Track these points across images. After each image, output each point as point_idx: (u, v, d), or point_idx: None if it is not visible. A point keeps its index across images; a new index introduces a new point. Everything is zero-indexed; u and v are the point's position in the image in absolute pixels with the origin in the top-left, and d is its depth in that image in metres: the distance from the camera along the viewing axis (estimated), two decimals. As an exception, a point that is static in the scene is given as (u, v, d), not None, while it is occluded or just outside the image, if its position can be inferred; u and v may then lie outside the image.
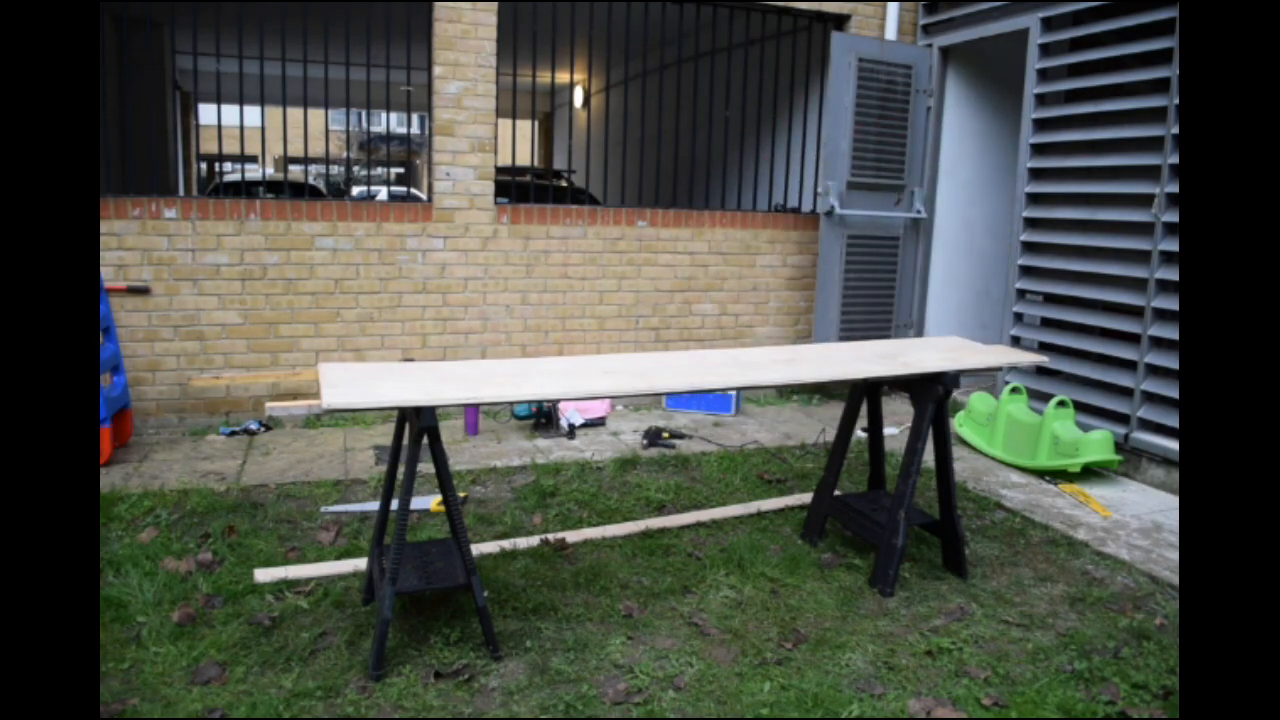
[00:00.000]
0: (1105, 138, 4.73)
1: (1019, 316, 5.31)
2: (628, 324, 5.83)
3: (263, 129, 10.45)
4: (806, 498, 3.93)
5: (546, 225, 5.56)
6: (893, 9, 6.02)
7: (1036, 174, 5.17)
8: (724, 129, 7.87)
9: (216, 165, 15.25)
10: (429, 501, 3.83)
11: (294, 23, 6.91)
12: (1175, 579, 3.30)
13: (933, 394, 3.15)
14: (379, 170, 17.67)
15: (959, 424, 5.09)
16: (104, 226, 4.71)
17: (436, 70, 5.21)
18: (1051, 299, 5.17)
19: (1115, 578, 3.34)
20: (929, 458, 3.47)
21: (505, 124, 10.59)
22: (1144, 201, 4.53)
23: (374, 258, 5.23)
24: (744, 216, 6.02)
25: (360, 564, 3.21)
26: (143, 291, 4.85)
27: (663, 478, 4.33)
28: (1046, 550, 3.57)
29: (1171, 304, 4.30)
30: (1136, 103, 4.56)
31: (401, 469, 2.65)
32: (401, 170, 26.68)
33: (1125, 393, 4.61)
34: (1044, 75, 5.12)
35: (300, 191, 10.98)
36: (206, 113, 17.05)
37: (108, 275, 4.75)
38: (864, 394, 3.50)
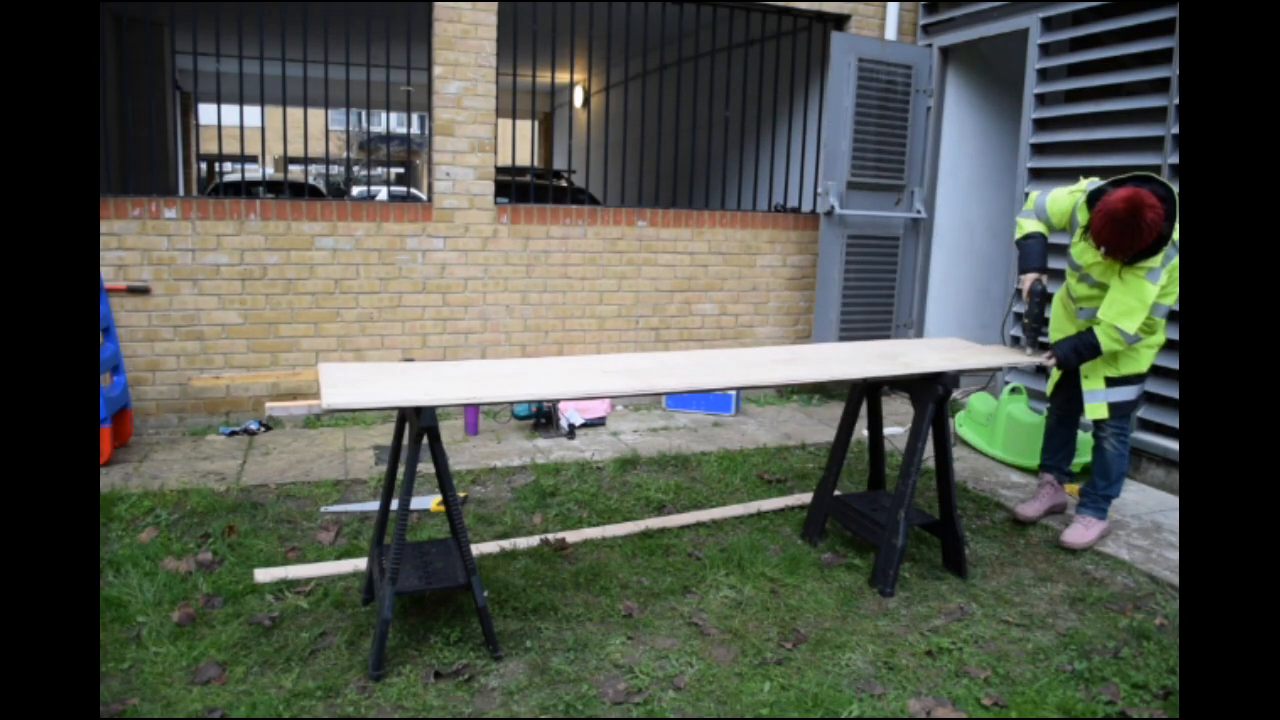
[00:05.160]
0: (1105, 138, 4.73)
1: (1019, 316, 5.30)
2: (628, 324, 5.83)
3: (263, 129, 10.42)
4: (806, 498, 3.93)
5: (546, 225, 5.56)
6: (893, 9, 6.02)
7: (1036, 174, 5.17)
8: (724, 129, 7.87)
9: (216, 165, 15.26)
10: (429, 501, 3.83)
11: (294, 23, 6.90)
12: (1175, 579, 3.30)
13: (933, 394, 3.15)
14: (379, 170, 17.67)
15: (959, 424, 5.09)
16: (104, 226, 4.70)
17: (436, 70, 5.21)
18: (1052, 299, 5.16)
19: (1115, 578, 3.34)
20: (929, 458, 3.47)
21: (505, 124, 10.58)
22: (1144, 201, 4.52)
23: (374, 258, 5.23)
24: (744, 216, 6.01)
25: (360, 564, 3.21)
26: (143, 291, 4.85)
27: (663, 478, 4.33)
28: (1046, 550, 3.57)
29: (1171, 304, 4.30)
30: (1136, 103, 4.56)
31: (401, 469, 2.65)
32: (401, 170, 26.67)
33: (1125, 393, 4.60)
34: (1044, 75, 5.12)
35: (300, 191, 10.98)
36: (206, 113, 17.04)
37: (108, 275, 4.74)
38: (864, 394, 3.50)
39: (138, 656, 2.59)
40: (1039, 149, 5.14)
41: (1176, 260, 3.25)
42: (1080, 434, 4.40)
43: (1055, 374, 3.84)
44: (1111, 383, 3.56)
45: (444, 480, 2.64)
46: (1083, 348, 3.42)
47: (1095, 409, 3.59)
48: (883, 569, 3.16)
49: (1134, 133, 4.56)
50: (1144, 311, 3.27)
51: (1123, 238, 3.13)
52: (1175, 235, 3.23)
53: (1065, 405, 3.81)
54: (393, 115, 7.66)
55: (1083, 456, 4.31)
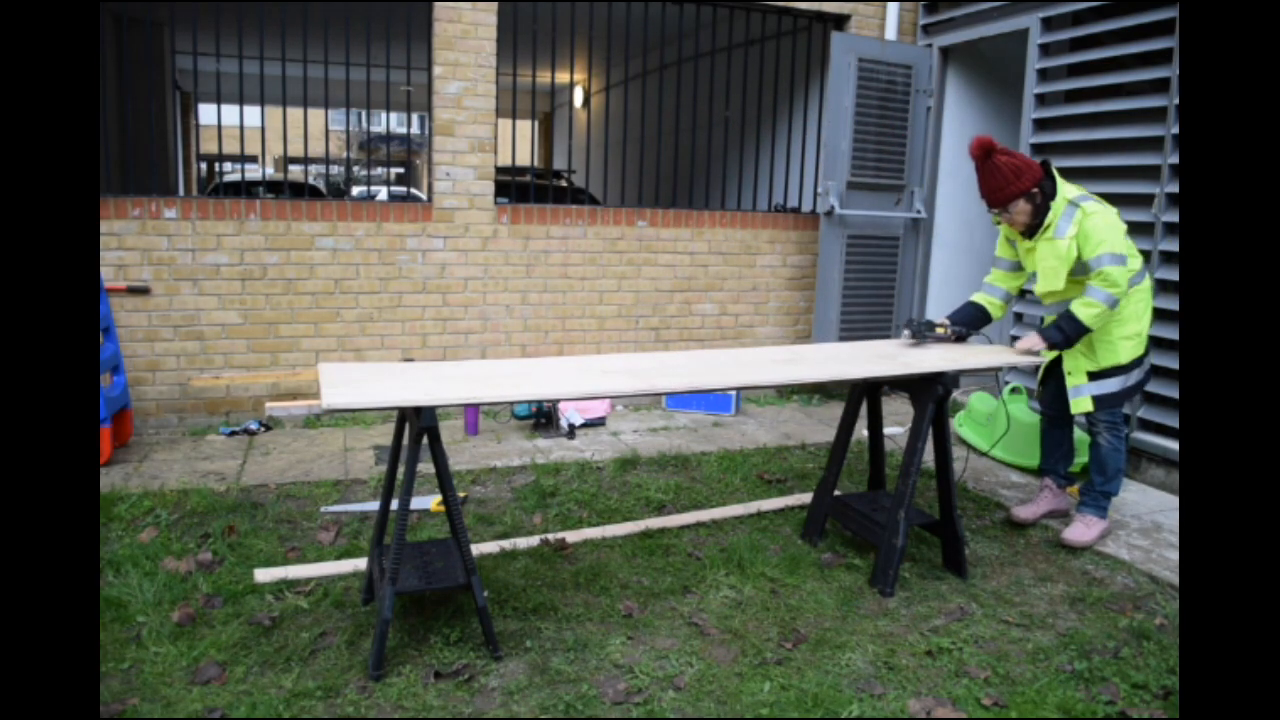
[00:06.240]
0: (1105, 138, 4.73)
1: (1019, 316, 5.31)
2: (628, 324, 5.83)
3: (263, 129, 10.44)
4: (806, 498, 3.93)
5: (546, 225, 5.56)
6: (893, 9, 6.02)
7: (1036, 174, 5.17)
8: (724, 129, 7.87)
9: (216, 165, 15.25)
10: (429, 501, 3.83)
11: (294, 23, 6.91)
12: (1175, 579, 3.30)
13: (932, 394, 3.15)
14: (379, 170, 17.67)
15: (959, 424, 5.08)
16: (104, 226, 4.70)
17: (436, 70, 5.21)
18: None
19: (1115, 578, 3.34)
20: (929, 458, 3.47)
21: (505, 124, 10.58)
22: (1144, 201, 4.53)
23: (374, 258, 5.23)
24: (744, 216, 6.02)
25: (360, 564, 3.21)
26: (143, 291, 4.85)
27: (663, 478, 4.33)
28: (1046, 550, 3.57)
29: (1171, 304, 4.30)
30: (1136, 103, 4.56)
31: (401, 469, 2.65)
32: (401, 170, 26.67)
33: (1125, 393, 4.61)
34: (1044, 75, 5.12)
35: (300, 191, 10.98)
36: (206, 113, 17.05)
37: (108, 275, 4.75)
38: (864, 394, 3.50)
39: (138, 656, 2.59)
40: (1039, 149, 5.13)
41: (1082, 216, 3.39)
42: (1080, 434, 4.40)
43: (1041, 372, 3.88)
44: (1093, 376, 3.61)
45: (444, 480, 2.64)
46: (1064, 324, 3.48)
47: (1079, 403, 3.63)
48: (883, 569, 3.16)
49: (1134, 133, 4.56)
50: (1064, 266, 3.44)
51: (983, 179, 3.44)
52: (1069, 194, 3.45)
53: (1054, 406, 3.83)
54: (393, 115, 7.66)
55: (1083, 457, 4.31)
